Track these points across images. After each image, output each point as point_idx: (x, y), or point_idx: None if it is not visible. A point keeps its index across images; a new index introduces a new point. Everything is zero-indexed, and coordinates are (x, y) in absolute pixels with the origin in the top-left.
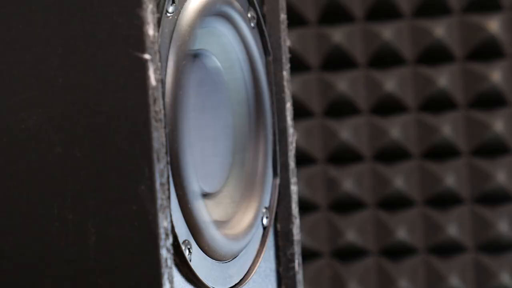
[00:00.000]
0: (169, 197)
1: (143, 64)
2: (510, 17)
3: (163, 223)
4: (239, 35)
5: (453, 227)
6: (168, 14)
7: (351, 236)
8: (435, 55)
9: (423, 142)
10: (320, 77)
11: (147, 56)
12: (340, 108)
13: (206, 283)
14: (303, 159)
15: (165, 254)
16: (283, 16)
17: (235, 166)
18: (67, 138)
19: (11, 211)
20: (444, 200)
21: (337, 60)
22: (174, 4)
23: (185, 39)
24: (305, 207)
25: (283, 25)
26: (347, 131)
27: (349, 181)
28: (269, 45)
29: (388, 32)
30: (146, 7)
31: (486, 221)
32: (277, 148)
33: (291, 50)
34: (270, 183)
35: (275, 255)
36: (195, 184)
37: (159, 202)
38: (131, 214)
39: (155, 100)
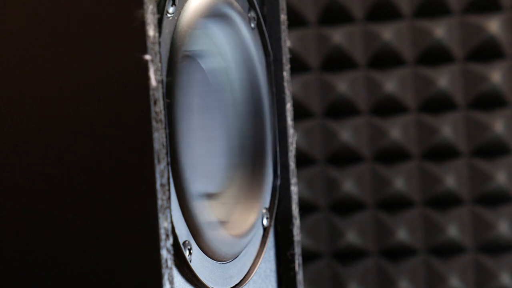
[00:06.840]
0: (169, 198)
1: (144, 65)
2: (510, 17)
3: (164, 224)
4: (239, 35)
5: (453, 228)
6: (169, 15)
7: (351, 237)
8: (435, 55)
9: (423, 142)
10: (320, 77)
11: (147, 57)
12: (340, 109)
13: (206, 284)
14: (303, 159)
15: (166, 254)
16: (283, 17)
17: (235, 167)
18: (67, 138)
19: (11, 211)
20: (444, 201)
21: (337, 61)
22: (175, 5)
23: (186, 39)
24: (305, 207)
25: (283, 26)
26: (347, 132)
27: (349, 182)
28: (269, 45)
29: (388, 32)
30: (146, 8)
31: (486, 222)
32: (277, 148)
33: (291, 51)
34: (270, 184)
35: (275, 255)
36: (195, 185)
37: (159, 202)
38: (131, 214)
39: (155, 101)
